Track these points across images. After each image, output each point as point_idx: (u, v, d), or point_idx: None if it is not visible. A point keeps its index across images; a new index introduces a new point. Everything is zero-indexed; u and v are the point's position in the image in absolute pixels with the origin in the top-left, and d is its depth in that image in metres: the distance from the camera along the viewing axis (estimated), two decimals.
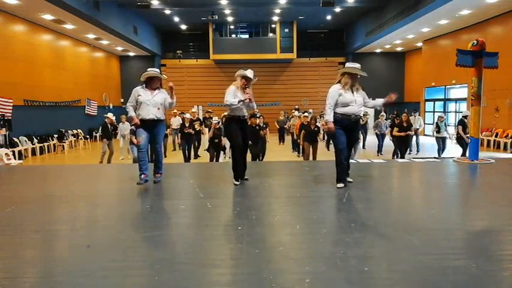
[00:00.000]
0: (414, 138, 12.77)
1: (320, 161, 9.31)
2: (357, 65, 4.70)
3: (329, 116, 4.65)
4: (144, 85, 4.87)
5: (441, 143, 11.18)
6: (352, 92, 4.62)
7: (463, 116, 10.25)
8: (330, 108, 4.62)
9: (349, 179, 4.82)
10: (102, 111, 15.36)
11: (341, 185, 4.59)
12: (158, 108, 4.82)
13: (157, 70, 5.02)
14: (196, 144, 11.67)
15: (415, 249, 2.71)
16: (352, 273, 2.35)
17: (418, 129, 13.22)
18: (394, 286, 2.22)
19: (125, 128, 11.27)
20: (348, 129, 4.64)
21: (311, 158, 9.79)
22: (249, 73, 4.86)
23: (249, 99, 4.79)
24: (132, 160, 9.85)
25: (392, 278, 2.32)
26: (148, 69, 4.95)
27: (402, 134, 10.44)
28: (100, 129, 11.95)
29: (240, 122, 4.89)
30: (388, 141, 12.09)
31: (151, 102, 4.77)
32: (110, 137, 10.90)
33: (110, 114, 11.33)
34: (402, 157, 10.40)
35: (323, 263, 2.49)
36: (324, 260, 2.53)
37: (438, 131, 11.23)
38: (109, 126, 10.93)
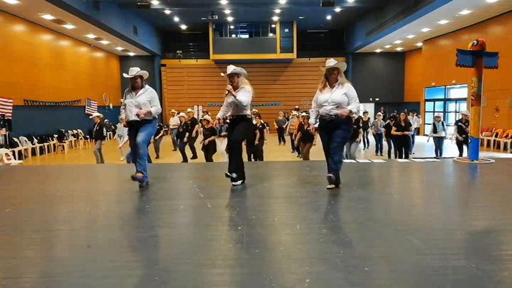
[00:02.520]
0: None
1: (320, 161, 9.27)
2: (331, 61, 4.65)
3: (311, 120, 4.84)
4: (130, 86, 4.85)
5: (437, 142, 11.06)
6: (333, 89, 4.51)
7: (461, 115, 10.39)
8: (312, 110, 4.79)
9: (329, 186, 4.46)
10: (102, 111, 15.37)
11: (329, 175, 4.40)
12: (141, 109, 4.70)
13: (138, 69, 4.82)
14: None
15: (415, 249, 2.71)
16: (352, 273, 2.34)
17: (416, 128, 13.32)
18: (394, 286, 2.22)
19: (122, 128, 11.14)
20: (326, 129, 4.56)
21: (311, 158, 9.77)
22: (227, 70, 4.77)
23: (228, 91, 4.65)
24: (125, 161, 9.66)
25: (392, 278, 2.32)
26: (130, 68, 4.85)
27: (399, 133, 10.47)
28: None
29: (230, 122, 4.89)
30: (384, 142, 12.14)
31: (133, 103, 4.74)
32: (96, 137, 10.51)
33: (95, 114, 11.11)
34: (404, 157, 10.38)
35: (323, 263, 2.49)
36: (324, 260, 2.52)
37: (435, 131, 11.12)
38: (95, 126, 10.53)
